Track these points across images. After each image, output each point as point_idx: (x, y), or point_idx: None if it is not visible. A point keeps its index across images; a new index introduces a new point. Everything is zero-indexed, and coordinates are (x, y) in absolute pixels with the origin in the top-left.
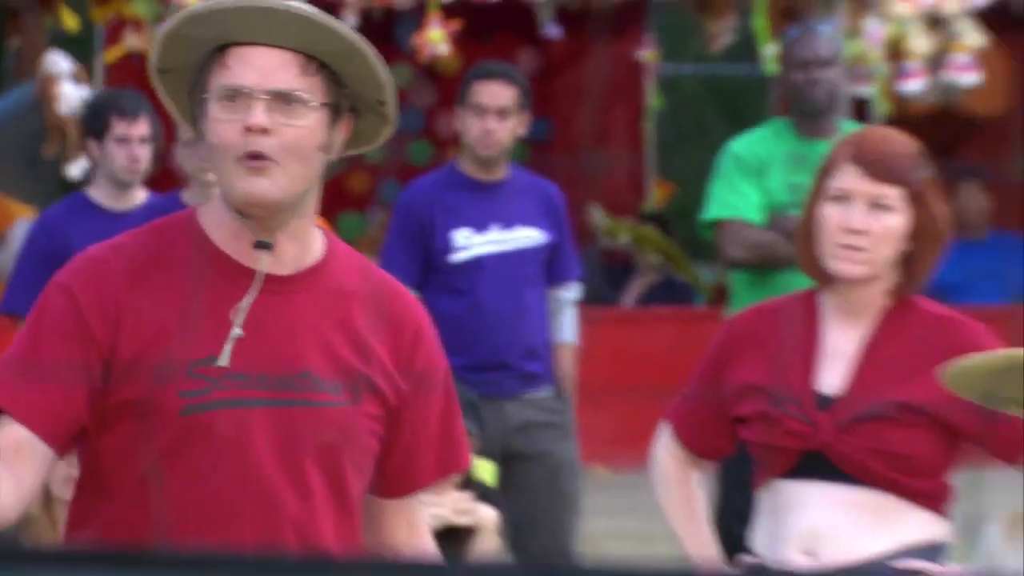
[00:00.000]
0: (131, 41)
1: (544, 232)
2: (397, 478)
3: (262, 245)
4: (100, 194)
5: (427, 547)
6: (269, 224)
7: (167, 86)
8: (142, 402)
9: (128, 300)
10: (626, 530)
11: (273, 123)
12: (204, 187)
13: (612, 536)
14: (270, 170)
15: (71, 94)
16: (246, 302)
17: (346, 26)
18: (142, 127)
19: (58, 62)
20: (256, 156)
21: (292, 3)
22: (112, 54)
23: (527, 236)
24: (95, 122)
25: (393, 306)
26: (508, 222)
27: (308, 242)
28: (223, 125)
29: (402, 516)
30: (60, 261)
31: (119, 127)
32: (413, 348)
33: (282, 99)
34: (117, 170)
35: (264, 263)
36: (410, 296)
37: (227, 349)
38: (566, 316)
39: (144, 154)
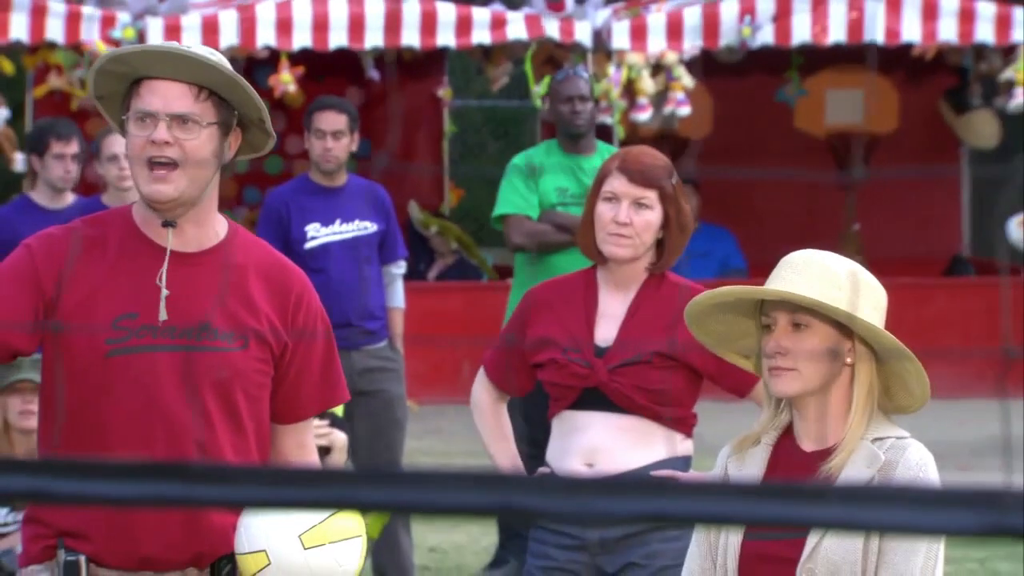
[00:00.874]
0: (53, 82)
1: (375, 223)
2: (286, 408)
3: (167, 224)
4: (40, 197)
5: (313, 461)
6: (172, 213)
7: (107, 109)
8: (71, 343)
9: (72, 267)
10: (432, 449)
11: (173, 138)
12: (119, 191)
13: (420, 453)
14: (170, 176)
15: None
16: (163, 270)
17: (227, 64)
18: (74, 146)
19: None
20: (160, 165)
21: (189, 47)
22: (39, 91)
23: (363, 226)
24: (37, 143)
25: (280, 277)
26: (348, 217)
27: (209, 227)
28: (136, 139)
29: (292, 438)
30: (8, 248)
31: (56, 147)
32: (296, 309)
33: (180, 119)
34: (54, 179)
35: (171, 241)
36: (296, 270)
37: (162, 306)
38: (396, 286)
39: (74, 167)
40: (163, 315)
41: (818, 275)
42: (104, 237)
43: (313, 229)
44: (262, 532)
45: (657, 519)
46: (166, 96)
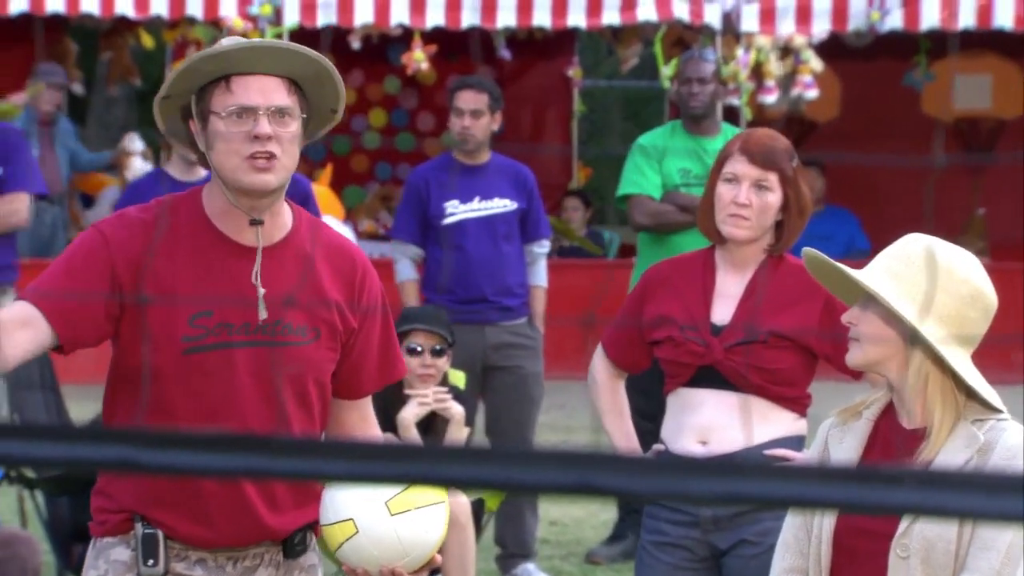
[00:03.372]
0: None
1: (515, 202)
2: (349, 385)
3: (256, 222)
4: (174, 169)
5: (375, 434)
6: (261, 205)
7: (166, 108)
8: (148, 337)
9: (144, 256)
10: (556, 423)
11: (273, 131)
12: None
13: (546, 427)
14: (273, 165)
15: (137, 166)
16: (256, 269)
17: (318, 54)
18: None
19: (135, 141)
20: (264, 156)
21: (277, 41)
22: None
23: (502, 204)
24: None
25: (345, 259)
26: (487, 195)
27: (281, 216)
28: (235, 134)
29: (355, 412)
30: None
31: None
32: (360, 289)
33: (277, 113)
34: (188, 153)
35: (256, 238)
36: (355, 247)
37: (261, 305)
38: (539, 265)
39: None
40: (263, 314)
41: (895, 259)
42: (176, 226)
43: (451, 206)
44: (348, 501)
45: (728, 501)
46: (264, 90)
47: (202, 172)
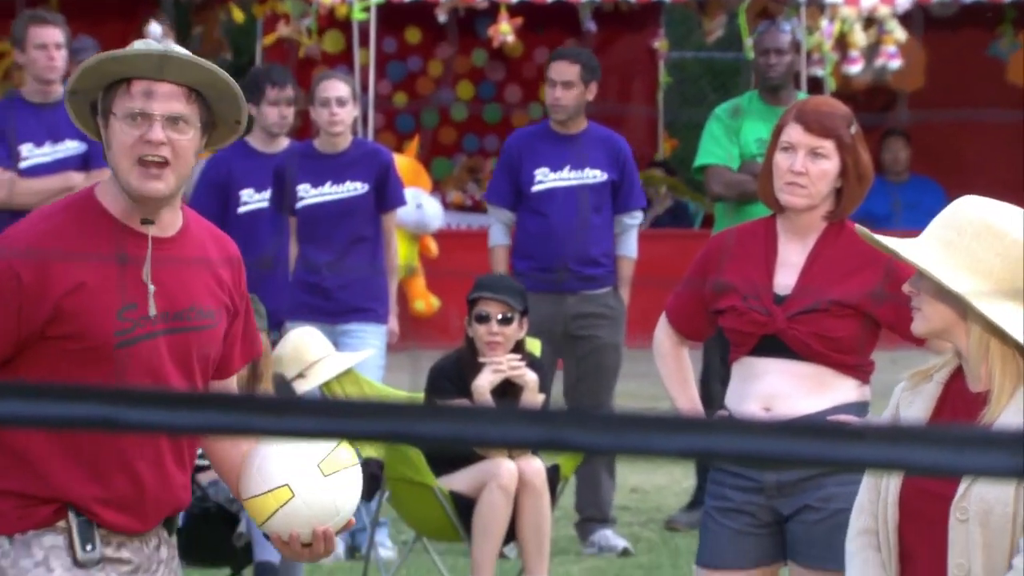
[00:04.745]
0: (282, 30)
1: (606, 172)
2: (225, 363)
3: (146, 222)
4: (255, 141)
5: None
6: (157, 207)
7: (76, 103)
8: (79, 336)
9: (57, 266)
10: (640, 392)
11: (166, 137)
12: (329, 136)
13: (628, 395)
14: (163, 174)
15: None
16: (147, 267)
17: (217, 68)
18: (288, 92)
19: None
20: (154, 164)
21: (181, 51)
22: (268, 39)
23: (593, 175)
24: (253, 89)
25: (228, 247)
26: (579, 164)
27: (177, 209)
28: (128, 136)
29: (225, 389)
30: (224, 188)
31: (271, 93)
32: (239, 274)
33: (172, 120)
34: (269, 125)
35: (151, 237)
36: (227, 236)
37: (151, 302)
38: (628, 235)
39: (289, 112)
40: (152, 310)
41: (943, 229)
42: (80, 227)
43: (541, 173)
44: (278, 468)
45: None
46: (162, 97)
47: (284, 143)
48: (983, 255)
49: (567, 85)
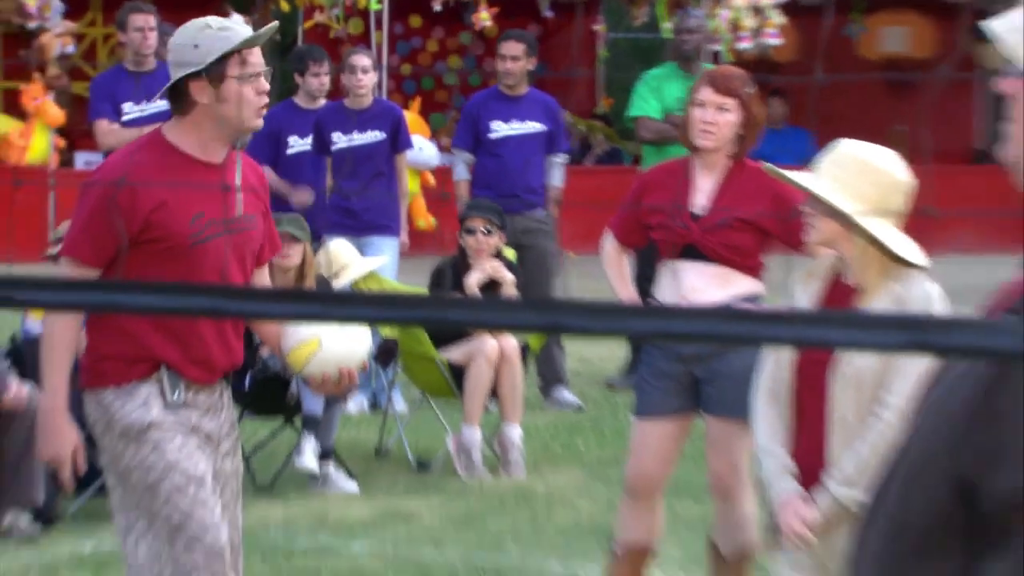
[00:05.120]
0: (317, 17)
1: (544, 124)
2: (259, 257)
3: (237, 146)
4: (300, 100)
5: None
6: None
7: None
8: (164, 239)
9: (143, 190)
10: (585, 288)
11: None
12: (356, 96)
13: (577, 291)
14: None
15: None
16: (233, 183)
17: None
18: (325, 67)
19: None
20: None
21: (261, 31)
22: (307, 24)
23: (533, 126)
24: (299, 64)
25: (254, 166)
26: (523, 118)
27: None
28: (248, 91)
29: (261, 276)
30: (276, 137)
31: (313, 67)
32: (264, 187)
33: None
34: (312, 90)
35: (222, 158)
36: (250, 158)
37: (239, 205)
38: (556, 171)
39: (327, 80)
40: (239, 210)
41: (831, 164)
42: (159, 159)
43: (496, 125)
44: (308, 328)
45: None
46: (262, 60)
47: (322, 102)
48: (861, 184)
49: (514, 59)
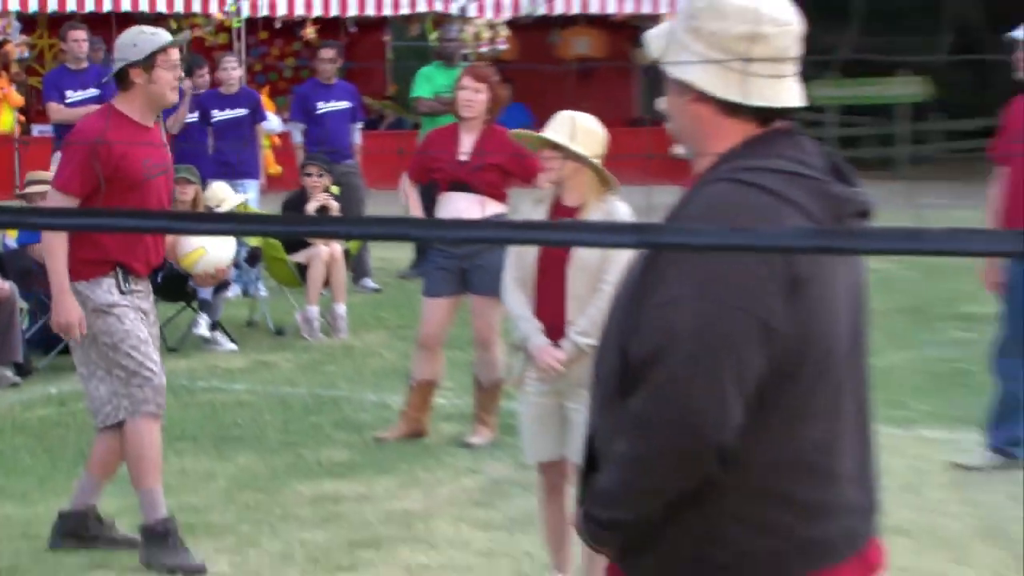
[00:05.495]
0: (196, 32)
1: (350, 103)
2: None
3: (159, 118)
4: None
5: None
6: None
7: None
8: (126, 177)
9: (114, 145)
10: (391, 212)
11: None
12: (227, 86)
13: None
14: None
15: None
16: (161, 141)
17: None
18: (205, 68)
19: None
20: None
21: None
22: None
23: (343, 104)
24: (188, 67)
25: (160, 130)
26: (336, 99)
27: None
28: (169, 76)
29: None
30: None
31: (197, 71)
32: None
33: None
34: (199, 85)
35: (151, 123)
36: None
37: (168, 156)
38: (357, 134)
39: (208, 78)
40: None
41: (559, 124)
42: (119, 124)
43: (319, 104)
44: (197, 240)
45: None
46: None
47: (204, 90)
48: (580, 136)
49: (331, 60)
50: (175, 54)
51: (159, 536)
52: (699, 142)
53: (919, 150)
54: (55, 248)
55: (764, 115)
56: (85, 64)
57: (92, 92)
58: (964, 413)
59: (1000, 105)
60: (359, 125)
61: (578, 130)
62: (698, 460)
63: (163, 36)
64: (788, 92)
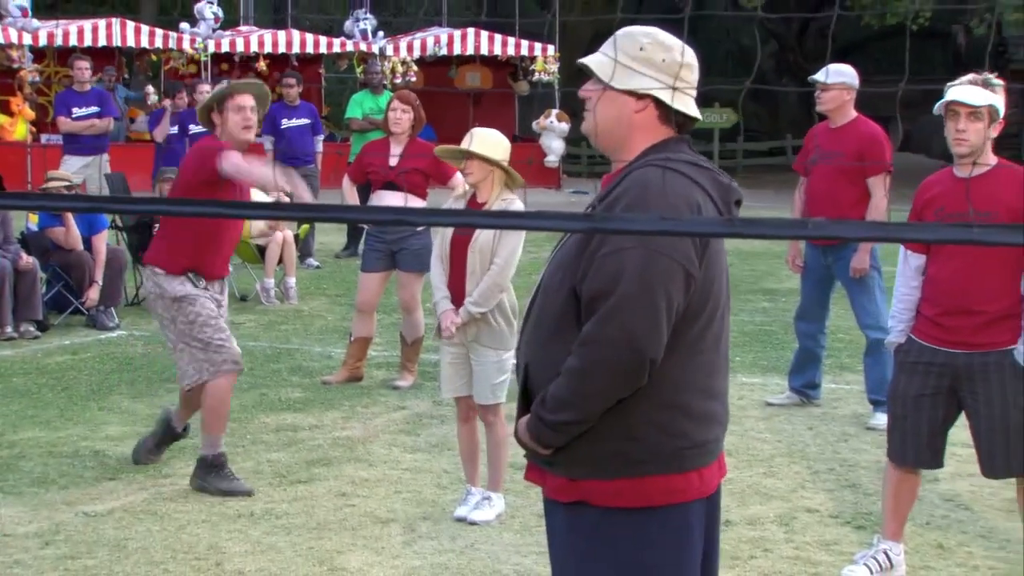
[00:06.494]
0: (171, 64)
1: (308, 120)
2: None
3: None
4: (172, 110)
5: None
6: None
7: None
8: (219, 182)
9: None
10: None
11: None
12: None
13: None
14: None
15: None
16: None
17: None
18: (183, 92)
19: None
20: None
21: (249, 81)
22: (166, 67)
23: (303, 122)
24: (169, 91)
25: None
26: (298, 117)
27: None
28: (240, 118)
29: None
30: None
31: (177, 95)
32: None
33: (252, 109)
34: (177, 105)
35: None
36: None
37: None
38: (319, 144)
39: (186, 100)
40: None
41: (475, 138)
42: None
43: (284, 122)
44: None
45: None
46: (249, 102)
47: (181, 108)
48: (491, 147)
49: (292, 87)
50: (245, 100)
51: (216, 466)
52: (624, 140)
53: (729, 164)
54: (244, 169)
55: (681, 123)
56: (88, 87)
57: (94, 109)
58: (771, 364)
59: (783, 133)
60: (320, 137)
61: (487, 142)
62: (637, 371)
63: (235, 85)
64: (694, 107)
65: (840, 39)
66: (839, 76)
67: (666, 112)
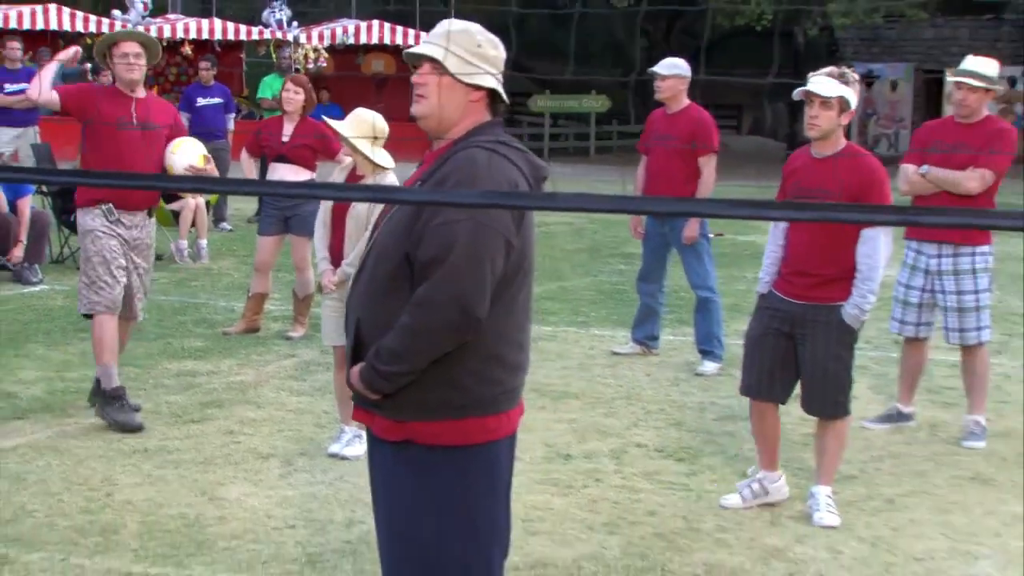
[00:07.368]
0: None
1: (221, 99)
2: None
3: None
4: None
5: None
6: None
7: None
8: (103, 125)
9: (102, 103)
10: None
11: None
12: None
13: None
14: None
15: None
16: (133, 105)
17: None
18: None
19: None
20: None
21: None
22: None
23: (216, 100)
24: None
25: (161, 101)
26: (212, 96)
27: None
28: (124, 64)
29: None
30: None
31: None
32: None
33: (137, 55)
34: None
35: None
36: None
37: (133, 115)
38: (231, 122)
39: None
40: (134, 119)
41: (349, 121)
42: (105, 91)
43: (199, 100)
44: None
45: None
46: (132, 48)
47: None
48: (365, 128)
49: (207, 69)
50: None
51: (113, 398)
52: (454, 122)
53: (603, 144)
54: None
55: (498, 108)
56: (19, 65)
57: (24, 86)
58: (620, 319)
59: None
60: (232, 115)
61: (352, 123)
62: (465, 329)
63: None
64: (505, 95)
65: (701, 36)
66: (674, 69)
67: (494, 100)
